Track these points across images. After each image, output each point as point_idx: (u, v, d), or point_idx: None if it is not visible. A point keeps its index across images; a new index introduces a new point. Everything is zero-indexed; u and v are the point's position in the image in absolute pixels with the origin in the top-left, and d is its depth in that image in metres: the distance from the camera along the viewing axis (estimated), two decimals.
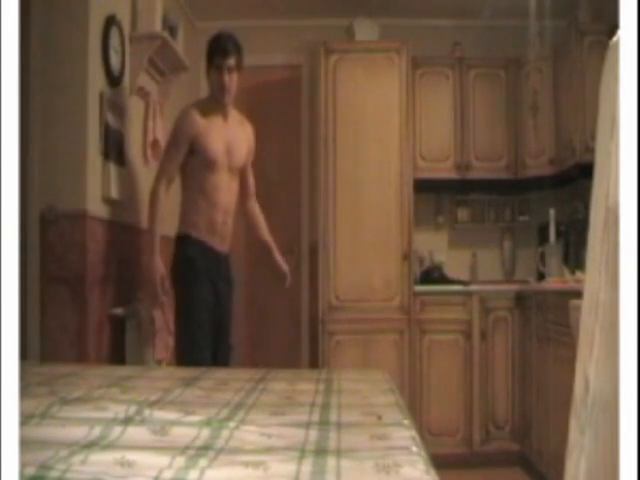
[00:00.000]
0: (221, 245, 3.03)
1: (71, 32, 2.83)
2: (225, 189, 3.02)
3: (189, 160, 2.97)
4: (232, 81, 3.01)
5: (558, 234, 4.01)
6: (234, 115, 3.15)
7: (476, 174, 4.32)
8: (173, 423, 1.40)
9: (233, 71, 3.01)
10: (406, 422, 1.50)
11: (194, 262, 2.92)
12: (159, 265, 2.90)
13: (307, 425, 1.45)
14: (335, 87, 4.02)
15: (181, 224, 3.03)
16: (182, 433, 1.33)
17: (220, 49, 3.00)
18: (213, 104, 3.04)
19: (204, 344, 2.86)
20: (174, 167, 2.98)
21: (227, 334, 3.07)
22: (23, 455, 1.08)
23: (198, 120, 2.96)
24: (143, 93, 3.57)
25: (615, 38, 1.04)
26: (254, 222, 3.33)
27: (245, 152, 3.14)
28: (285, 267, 3.31)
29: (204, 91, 4.67)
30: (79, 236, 2.77)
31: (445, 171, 4.30)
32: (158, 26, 3.42)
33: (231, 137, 3.04)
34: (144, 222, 3.43)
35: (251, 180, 3.29)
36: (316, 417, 1.54)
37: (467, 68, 4.33)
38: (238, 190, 3.13)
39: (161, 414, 1.47)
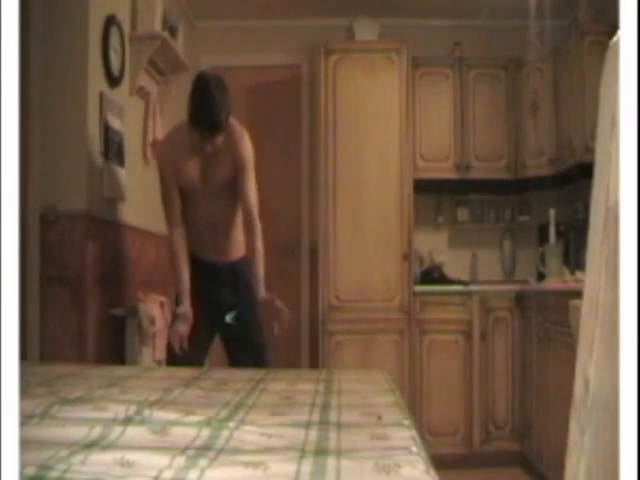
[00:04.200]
0: (217, 257, 2.90)
1: (71, 32, 2.83)
2: (204, 212, 2.85)
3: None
4: (217, 144, 2.71)
5: (558, 234, 4.01)
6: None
7: (476, 174, 4.32)
8: (173, 423, 1.39)
9: (218, 139, 2.70)
10: (406, 422, 1.50)
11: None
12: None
13: (307, 425, 1.45)
14: (335, 87, 4.02)
15: None
16: (182, 433, 1.33)
17: (208, 124, 2.61)
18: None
19: (188, 350, 2.82)
20: (174, 208, 2.81)
21: (250, 335, 2.95)
22: (23, 455, 1.08)
23: (170, 152, 2.80)
24: (143, 93, 3.57)
25: (615, 38, 1.04)
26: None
27: (227, 170, 2.82)
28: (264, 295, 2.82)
29: None
30: (79, 236, 2.77)
31: (445, 171, 4.30)
32: (158, 26, 3.42)
33: (210, 159, 2.77)
34: (143, 222, 3.44)
35: (247, 195, 2.85)
36: (316, 417, 1.54)
37: (467, 68, 4.33)
38: (228, 203, 2.88)
39: (161, 414, 1.47)
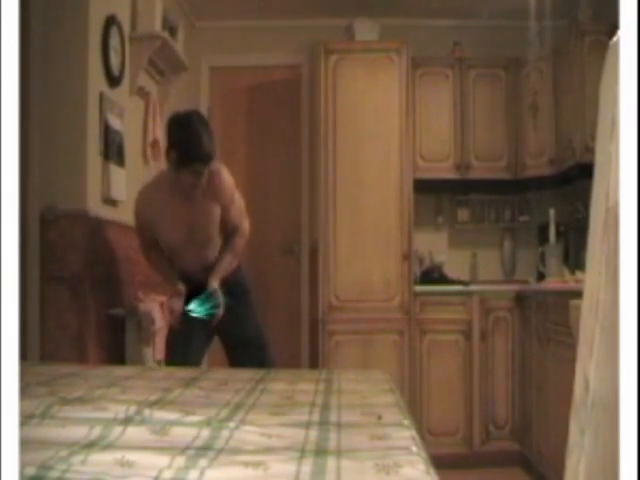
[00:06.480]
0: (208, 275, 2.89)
1: (71, 32, 2.83)
2: (195, 257, 2.89)
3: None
4: (203, 182, 2.69)
5: (558, 234, 4.01)
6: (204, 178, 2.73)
7: (476, 174, 4.32)
8: (173, 423, 1.39)
9: (205, 175, 2.67)
10: (406, 422, 1.50)
11: None
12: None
13: (307, 425, 1.45)
14: (335, 87, 4.02)
15: None
16: (182, 433, 1.33)
17: (200, 154, 2.59)
18: (177, 186, 2.72)
19: (179, 356, 2.87)
20: (152, 255, 2.96)
21: (249, 335, 2.99)
22: (23, 455, 1.08)
23: (151, 207, 2.79)
24: (143, 93, 3.57)
25: (615, 38, 1.04)
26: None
27: (215, 216, 2.84)
28: (214, 286, 2.85)
29: (204, 91, 4.69)
30: (79, 236, 2.77)
31: (445, 171, 4.30)
32: (158, 26, 3.43)
33: (197, 212, 2.79)
34: None
35: (237, 226, 2.95)
36: (316, 417, 1.54)
37: (467, 68, 4.33)
38: (219, 241, 2.93)
39: (161, 414, 1.47)
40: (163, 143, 3.72)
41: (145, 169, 3.59)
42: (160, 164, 3.75)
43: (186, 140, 2.60)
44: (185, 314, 2.82)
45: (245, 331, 2.99)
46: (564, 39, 3.99)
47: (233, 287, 2.95)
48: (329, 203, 3.98)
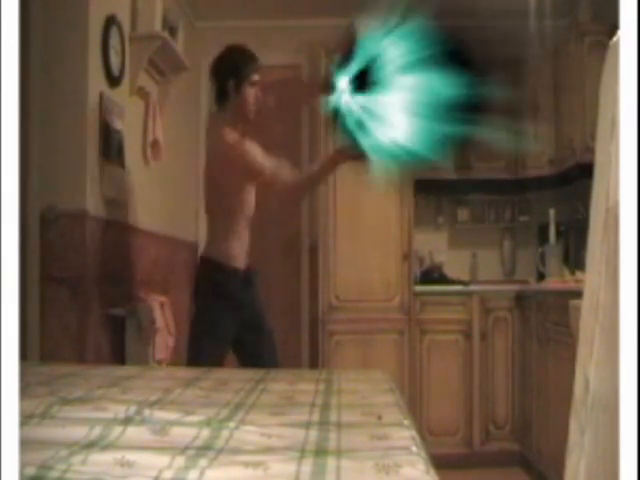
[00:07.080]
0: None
1: (71, 32, 2.82)
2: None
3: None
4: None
5: (558, 234, 4.02)
6: None
7: (476, 174, 4.32)
8: (173, 423, 1.39)
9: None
10: (406, 422, 1.50)
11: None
12: None
13: (307, 425, 1.45)
14: None
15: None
16: (182, 433, 1.33)
17: (253, 61, 2.86)
18: (242, 119, 2.92)
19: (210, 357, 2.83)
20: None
21: (262, 323, 3.00)
22: (23, 455, 1.08)
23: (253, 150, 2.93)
24: (143, 93, 3.57)
25: (615, 38, 1.04)
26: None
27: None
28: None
29: (204, 91, 4.68)
30: (79, 236, 2.77)
31: (445, 171, 4.30)
32: (158, 26, 3.42)
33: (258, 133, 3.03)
34: (143, 222, 3.44)
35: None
36: (316, 417, 1.54)
37: None
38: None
39: (161, 414, 1.47)
40: (163, 143, 3.72)
41: (145, 169, 3.59)
42: (160, 164, 3.75)
43: (237, 56, 2.84)
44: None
45: (263, 321, 2.99)
46: (564, 39, 3.99)
47: (252, 276, 2.94)
48: (329, 203, 3.98)
